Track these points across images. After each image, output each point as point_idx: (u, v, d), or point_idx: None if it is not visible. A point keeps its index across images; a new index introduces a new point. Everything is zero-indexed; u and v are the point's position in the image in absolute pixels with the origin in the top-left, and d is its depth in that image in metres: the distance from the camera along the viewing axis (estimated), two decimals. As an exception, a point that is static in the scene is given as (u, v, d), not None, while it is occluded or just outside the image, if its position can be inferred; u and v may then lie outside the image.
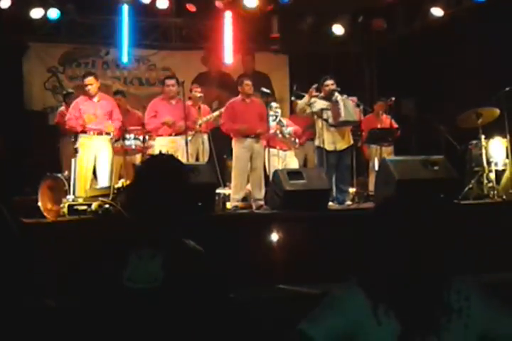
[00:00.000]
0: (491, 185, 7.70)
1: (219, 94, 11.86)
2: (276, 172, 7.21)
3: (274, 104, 9.28)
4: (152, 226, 2.34)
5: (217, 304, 2.33)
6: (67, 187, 7.20)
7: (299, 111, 8.55)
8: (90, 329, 2.27)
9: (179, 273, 2.25)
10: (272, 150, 9.10)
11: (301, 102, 8.34)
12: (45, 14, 9.93)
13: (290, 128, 9.19)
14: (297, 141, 9.16)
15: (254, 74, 11.90)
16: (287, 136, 9.16)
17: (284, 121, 9.31)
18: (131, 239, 2.36)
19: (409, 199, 2.19)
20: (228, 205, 7.82)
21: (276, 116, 9.21)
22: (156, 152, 8.04)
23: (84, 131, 7.91)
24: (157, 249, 2.28)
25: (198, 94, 9.22)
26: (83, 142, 7.88)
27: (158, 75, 11.65)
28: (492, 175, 7.80)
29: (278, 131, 9.14)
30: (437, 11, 10.25)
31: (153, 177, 2.39)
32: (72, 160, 7.59)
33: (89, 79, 8.03)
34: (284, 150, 9.22)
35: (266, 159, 8.49)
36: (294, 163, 8.98)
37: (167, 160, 2.51)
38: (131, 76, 11.62)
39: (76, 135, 7.96)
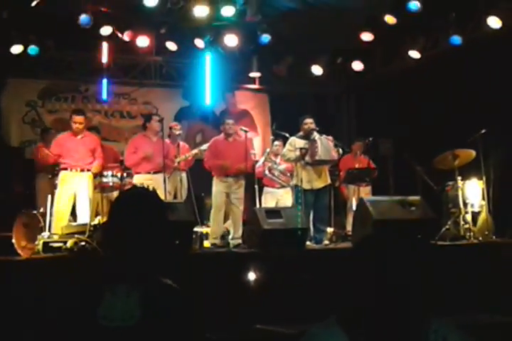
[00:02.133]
0: (467, 226, 7.75)
1: (202, 128, 11.92)
2: (254, 210, 7.20)
3: (276, 143, 9.37)
4: (128, 262, 2.29)
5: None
6: (42, 223, 7.12)
7: (286, 159, 8.56)
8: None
9: (155, 310, 2.21)
10: (266, 188, 9.17)
11: (288, 155, 8.26)
12: (25, 50, 9.93)
13: (282, 165, 9.23)
14: (289, 178, 9.15)
15: (235, 111, 12.06)
16: (276, 173, 9.21)
17: (277, 159, 9.34)
18: (106, 275, 2.31)
19: (386, 239, 2.19)
20: (206, 243, 7.78)
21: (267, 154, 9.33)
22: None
23: (65, 168, 7.87)
24: (133, 286, 2.24)
25: (177, 132, 9.24)
26: (63, 178, 7.83)
27: (139, 109, 11.72)
28: (469, 217, 7.85)
29: (266, 169, 9.20)
30: (414, 54, 10.43)
31: (128, 211, 2.35)
32: (49, 196, 7.49)
33: (80, 118, 8.03)
34: (278, 188, 9.25)
35: (259, 197, 8.54)
36: (288, 201, 8.93)
37: (143, 193, 2.47)
38: (112, 109, 11.62)
39: (53, 171, 7.91)
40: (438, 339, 2.00)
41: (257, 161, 9.53)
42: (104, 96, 10.90)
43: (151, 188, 2.84)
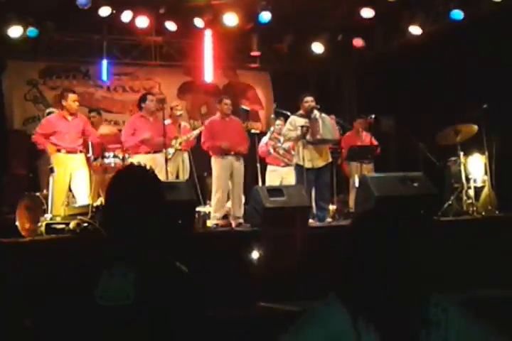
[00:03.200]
0: (470, 201, 7.75)
1: (206, 100, 11.91)
2: (256, 189, 7.20)
3: (277, 122, 9.35)
4: (125, 242, 2.30)
5: (193, 323, 2.29)
6: (45, 206, 7.16)
7: (287, 139, 8.54)
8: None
9: (152, 290, 2.21)
10: (269, 166, 9.17)
11: (291, 134, 8.25)
12: (24, 32, 9.89)
13: (286, 144, 9.21)
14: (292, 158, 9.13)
15: (238, 85, 12.03)
16: (281, 152, 9.20)
17: (281, 137, 9.33)
18: (104, 256, 2.32)
19: (387, 213, 2.20)
20: (208, 223, 7.80)
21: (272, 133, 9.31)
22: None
23: (58, 150, 7.82)
24: (130, 266, 2.25)
25: (179, 112, 9.23)
26: (58, 161, 7.78)
27: (142, 83, 11.69)
28: (471, 192, 7.85)
29: (271, 148, 9.19)
30: (415, 30, 10.35)
31: (125, 189, 2.34)
32: (50, 178, 7.51)
33: (76, 96, 8.01)
34: (283, 166, 9.24)
35: (263, 175, 8.53)
36: (293, 180, 8.82)
37: (140, 171, 2.47)
38: (114, 84, 11.56)
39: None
40: (438, 313, 2.02)
41: (259, 134, 9.39)
42: (105, 77, 10.87)
43: (148, 167, 2.83)
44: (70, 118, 7.97)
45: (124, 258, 2.27)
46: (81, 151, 7.92)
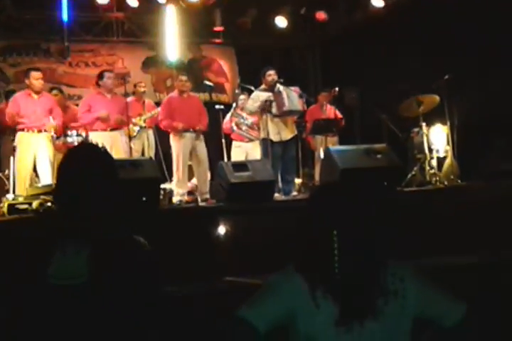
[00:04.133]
0: (433, 171, 7.83)
1: (171, 73, 11.81)
2: (221, 164, 7.19)
3: (241, 97, 9.32)
4: (78, 220, 2.29)
5: (148, 299, 2.30)
6: (8, 186, 7.08)
7: (249, 113, 8.50)
8: (16, 328, 2.22)
9: (105, 268, 2.20)
10: (234, 142, 9.15)
11: (251, 107, 8.21)
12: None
13: (250, 119, 9.19)
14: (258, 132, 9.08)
15: (203, 58, 11.97)
16: (244, 128, 9.17)
17: (244, 113, 9.28)
18: (57, 233, 2.30)
19: (349, 184, 2.21)
20: (174, 200, 7.79)
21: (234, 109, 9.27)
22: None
23: (22, 129, 7.70)
24: (82, 244, 2.24)
25: (142, 89, 9.17)
26: (21, 140, 7.67)
27: (104, 59, 11.53)
28: (434, 162, 7.94)
29: (234, 124, 9.16)
30: (377, 2, 10.36)
31: (77, 166, 2.33)
32: (11, 158, 7.41)
33: (38, 73, 7.87)
34: (247, 142, 9.23)
35: (228, 151, 8.54)
36: (258, 154, 8.80)
37: (92, 149, 2.46)
38: (76, 60, 11.35)
39: (14, 132, 7.77)
40: (395, 282, 2.04)
41: (224, 109, 9.33)
42: (66, 55, 10.70)
43: (107, 146, 2.81)
44: (35, 96, 7.85)
45: (75, 235, 2.26)
46: (45, 130, 7.76)
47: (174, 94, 8.43)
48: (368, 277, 2.04)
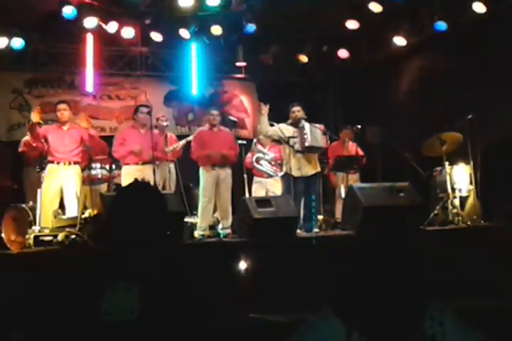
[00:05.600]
0: (455, 211, 7.79)
1: (192, 107, 11.93)
2: (244, 200, 7.21)
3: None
4: (127, 257, 2.30)
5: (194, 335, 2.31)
6: (31, 217, 7.11)
7: (264, 134, 8.52)
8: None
9: (154, 305, 2.22)
10: (255, 177, 9.18)
11: (260, 126, 8.25)
12: (9, 43, 9.88)
13: (270, 155, 9.22)
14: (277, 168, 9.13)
15: (224, 93, 12.12)
16: (264, 163, 9.20)
17: (265, 149, 9.32)
18: (105, 271, 2.32)
19: (380, 227, 2.21)
20: (196, 234, 7.79)
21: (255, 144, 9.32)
22: (123, 180, 8.00)
23: (51, 161, 7.76)
24: (133, 282, 2.25)
25: (164, 123, 9.24)
26: (50, 171, 7.72)
27: (128, 92, 11.66)
28: (457, 201, 7.89)
29: (254, 160, 9.19)
30: (399, 40, 10.45)
31: (131, 204, 2.36)
32: (38, 190, 7.45)
33: (63, 105, 7.95)
34: (266, 178, 9.25)
35: (249, 186, 8.63)
36: (278, 191, 8.83)
37: (145, 187, 2.48)
38: (100, 93, 11.48)
39: (41, 164, 7.83)
40: (434, 325, 2.00)
41: (246, 144, 9.40)
42: (90, 88, 10.85)
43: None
44: (65, 128, 7.94)
45: (125, 272, 2.27)
46: (75, 162, 7.84)
47: (205, 128, 8.53)
48: (405, 320, 2.02)
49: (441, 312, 2.06)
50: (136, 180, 2.52)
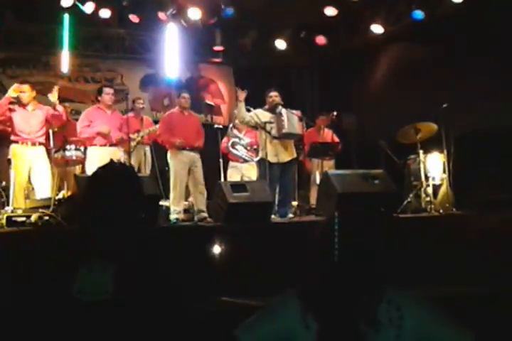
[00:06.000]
0: (428, 199, 7.87)
1: (169, 92, 11.88)
2: (219, 184, 7.21)
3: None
4: (103, 237, 2.31)
5: (171, 315, 2.33)
6: (4, 198, 7.06)
7: (241, 121, 8.51)
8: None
9: (128, 285, 2.23)
10: (230, 162, 9.17)
11: (238, 112, 8.21)
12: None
13: (246, 140, 9.22)
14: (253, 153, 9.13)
15: (201, 79, 12.05)
16: (239, 148, 9.19)
17: (240, 133, 9.30)
18: (80, 251, 2.32)
19: (352, 212, 2.23)
20: (171, 217, 7.78)
21: (231, 129, 9.31)
22: (90, 162, 7.89)
23: (16, 141, 7.60)
24: (108, 262, 2.26)
25: (141, 106, 9.20)
26: (15, 152, 7.55)
27: (104, 74, 11.62)
28: (430, 190, 7.97)
29: (229, 144, 9.18)
30: (377, 28, 10.48)
31: (107, 186, 2.36)
32: (10, 170, 7.35)
33: (25, 87, 7.72)
34: (242, 163, 9.25)
35: (225, 170, 8.61)
36: (253, 176, 8.85)
37: (121, 168, 2.48)
38: (76, 75, 11.41)
39: (8, 144, 7.69)
40: (391, 310, 2.02)
41: (222, 129, 9.37)
42: (65, 69, 10.72)
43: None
44: (29, 108, 7.75)
45: (100, 252, 2.28)
46: (41, 143, 7.69)
47: (175, 110, 8.44)
48: (359, 304, 2.04)
49: (400, 296, 2.08)
50: (112, 160, 2.51)
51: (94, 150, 8.02)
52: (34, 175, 7.56)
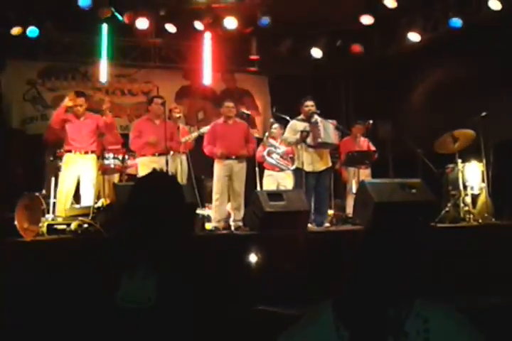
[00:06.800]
0: (467, 208, 7.80)
1: (203, 105, 11.98)
2: (256, 193, 7.23)
3: (274, 126, 9.40)
4: (145, 246, 2.33)
5: (211, 322, 2.34)
6: (44, 206, 7.15)
7: (287, 143, 8.57)
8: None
9: (170, 295, 2.25)
10: (266, 171, 9.18)
11: (290, 138, 8.26)
12: (24, 32, 9.91)
13: (282, 149, 9.23)
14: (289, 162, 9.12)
15: (236, 90, 12.10)
16: (275, 157, 9.19)
17: (276, 142, 9.34)
18: (123, 259, 2.35)
19: (390, 222, 2.22)
20: (207, 226, 7.82)
21: (267, 137, 9.33)
22: (140, 171, 8.07)
23: (69, 150, 7.87)
24: (150, 271, 2.28)
25: (177, 115, 9.25)
26: (67, 160, 7.82)
27: (140, 87, 11.70)
28: (468, 199, 7.90)
29: (265, 153, 9.19)
30: (414, 36, 10.42)
31: (150, 194, 2.38)
32: (52, 178, 7.50)
33: (81, 100, 7.97)
34: (278, 171, 9.27)
35: (261, 179, 8.72)
36: (289, 184, 8.87)
37: (164, 176, 2.50)
38: (113, 87, 11.55)
39: (55, 154, 7.92)
40: (418, 322, 1.99)
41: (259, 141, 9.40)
42: (103, 78, 10.86)
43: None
44: (81, 119, 8.01)
45: (142, 260, 2.30)
46: (92, 152, 7.96)
47: (220, 120, 8.50)
48: (383, 314, 2.03)
49: (428, 309, 2.05)
50: (154, 169, 2.54)
51: (144, 159, 8.20)
52: (83, 183, 7.81)
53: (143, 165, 8.13)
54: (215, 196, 8.07)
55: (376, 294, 2.03)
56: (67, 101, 7.87)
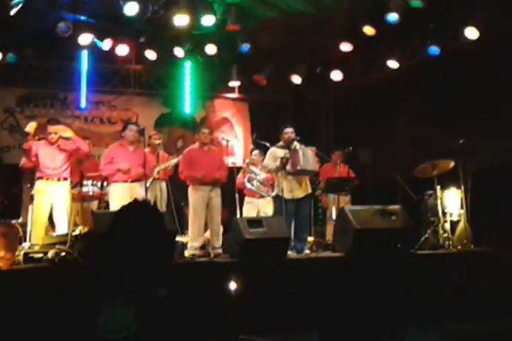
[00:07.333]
0: (446, 235, 7.82)
1: (183, 133, 11.98)
2: (235, 220, 7.19)
3: (254, 152, 9.41)
4: (126, 275, 2.31)
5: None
6: (21, 234, 7.07)
7: (267, 171, 8.58)
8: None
9: (150, 322, 2.23)
10: (246, 197, 9.16)
11: (270, 166, 8.23)
12: (3, 58, 9.88)
13: (262, 175, 9.22)
14: (269, 189, 9.14)
15: (215, 118, 12.13)
16: (256, 184, 9.19)
17: (257, 169, 9.34)
18: (103, 288, 2.33)
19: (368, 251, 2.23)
20: (186, 253, 7.75)
21: (247, 164, 9.32)
22: (111, 198, 7.93)
23: (41, 177, 7.73)
24: (130, 299, 2.26)
25: (157, 141, 9.23)
26: (40, 188, 7.68)
27: (119, 115, 11.68)
28: (447, 226, 7.93)
29: (246, 180, 9.18)
30: (392, 64, 10.53)
31: (131, 224, 2.36)
32: (29, 206, 7.42)
33: (55, 128, 7.90)
34: (258, 198, 9.24)
35: (241, 206, 8.67)
36: (269, 211, 8.84)
37: (145, 206, 2.49)
38: (92, 115, 11.51)
39: (32, 181, 7.81)
40: None
41: (236, 168, 9.41)
42: (83, 104, 10.86)
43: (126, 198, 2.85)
44: (54, 145, 7.88)
45: (123, 291, 2.28)
46: (65, 178, 7.82)
47: (195, 146, 8.45)
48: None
49: (421, 335, 2.06)
50: (135, 199, 2.53)
51: (115, 186, 8.04)
52: (56, 211, 7.66)
53: (115, 192, 7.96)
54: (191, 223, 7.96)
55: (366, 323, 2.02)
56: (28, 128, 7.76)
